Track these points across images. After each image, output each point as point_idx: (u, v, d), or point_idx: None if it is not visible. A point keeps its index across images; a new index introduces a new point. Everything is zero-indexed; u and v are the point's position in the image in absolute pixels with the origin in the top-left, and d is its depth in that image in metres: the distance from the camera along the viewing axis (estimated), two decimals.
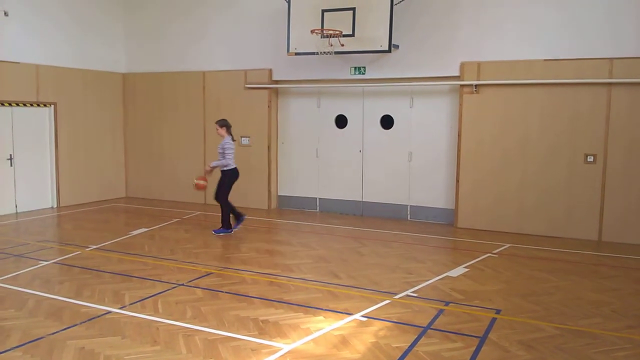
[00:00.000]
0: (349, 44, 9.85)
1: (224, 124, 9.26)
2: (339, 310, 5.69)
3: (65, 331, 5.08)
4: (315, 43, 10.00)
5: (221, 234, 9.24)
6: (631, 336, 5.11)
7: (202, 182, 9.23)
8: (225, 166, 9.13)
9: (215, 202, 9.44)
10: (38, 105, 11.23)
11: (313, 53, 10.15)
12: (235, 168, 9.25)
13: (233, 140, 9.26)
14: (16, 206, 10.95)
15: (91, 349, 4.71)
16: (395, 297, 6.14)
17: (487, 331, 5.17)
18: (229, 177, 9.21)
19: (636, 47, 8.57)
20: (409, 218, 10.72)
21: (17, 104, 10.84)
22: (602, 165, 8.91)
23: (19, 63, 10.71)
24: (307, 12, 10.14)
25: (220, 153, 9.14)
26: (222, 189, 9.19)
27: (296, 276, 6.93)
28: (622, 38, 8.65)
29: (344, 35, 9.79)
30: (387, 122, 10.78)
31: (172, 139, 12.56)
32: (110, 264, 7.38)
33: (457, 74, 9.85)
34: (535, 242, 8.92)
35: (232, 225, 9.35)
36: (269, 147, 11.58)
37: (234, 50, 11.74)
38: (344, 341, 4.92)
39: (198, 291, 6.27)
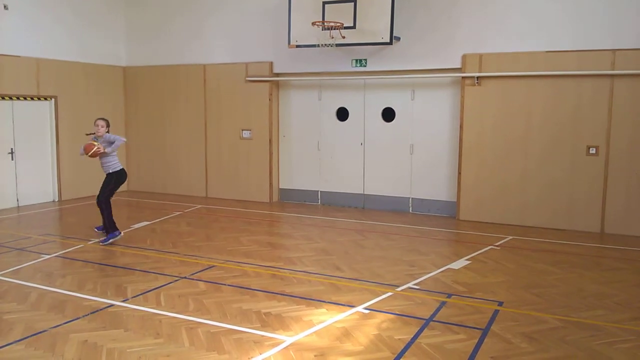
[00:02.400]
0: (350, 36, 9.80)
1: (109, 124, 8.24)
2: (341, 303, 5.68)
3: (67, 324, 5.08)
4: (316, 35, 9.95)
5: (110, 240, 8.05)
6: (635, 328, 5.10)
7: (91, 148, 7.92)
8: (113, 166, 8.16)
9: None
10: (39, 98, 11.21)
11: (314, 45, 10.10)
12: (123, 169, 8.32)
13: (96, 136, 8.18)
14: (17, 200, 10.95)
15: (94, 342, 4.71)
16: (397, 289, 6.14)
17: (490, 323, 5.16)
18: (117, 178, 8.21)
19: (639, 38, 8.52)
20: (410, 211, 10.70)
21: (18, 98, 10.81)
22: (605, 157, 8.88)
23: (19, 57, 10.67)
24: (308, 4, 10.09)
25: (110, 142, 7.99)
26: (106, 190, 8.17)
27: (298, 269, 6.93)
28: (624, 29, 8.60)
29: (345, 28, 9.75)
30: (388, 114, 10.75)
31: (173, 132, 12.54)
32: (112, 257, 7.38)
33: (458, 66, 9.80)
34: (538, 234, 8.90)
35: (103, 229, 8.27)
36: (270, 140, 11.55)
37: (234, 43, 11.69)
38: (346, 333, 4.92)
39: (200, 284, 6.27)
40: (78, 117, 11.85)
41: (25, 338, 4.78)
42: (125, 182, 12.80)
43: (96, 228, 8.62)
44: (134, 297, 5.83)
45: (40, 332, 4.90)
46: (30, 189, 11.17)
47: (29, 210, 10.65)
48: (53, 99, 11.42)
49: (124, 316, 5.29)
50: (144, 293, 5.95)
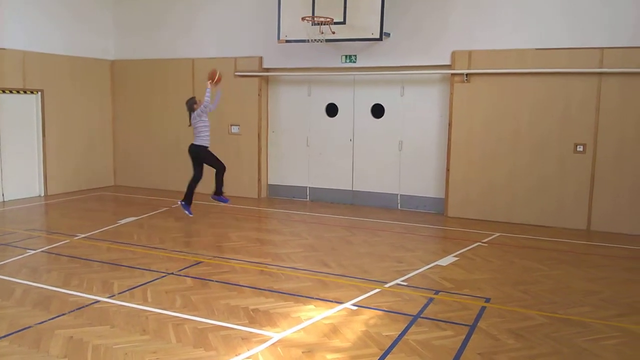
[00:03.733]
0: (340, 32, 9.78)
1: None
2: (329, 299, 5.68)
3: (53, 320, 5.03)
4: (306, 30, 9.91)
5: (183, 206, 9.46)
6: (620, 324, 5.14)
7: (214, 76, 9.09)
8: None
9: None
10: (25, 92, 11.08)
11: (304, 41, 10.07)
12: (206, 146, 9.37)
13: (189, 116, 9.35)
14: (3, 195, 10.83)
15: (79, 338, 4.67)
16: (385, 285, 6.15)
17: (477, 320, 5.18)
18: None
19: (627, 37, 8.57)
20: (399, 207, 10.72)
21: (3, 91, 10.68)
22: (592, 155, 8.94)
23: (4, 49, 10.54)
24: None
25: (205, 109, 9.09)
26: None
27: (286, 265, 6.91)
28: (613, 28, 8.64)
29: (335, 23, 9.73)
30: (378, 111, 10.75)
31: (161, 126, 12.45)
32: (98, 253, 7.32)
33: (448, 62, 9.81)
34: (525, 231, 8.95)
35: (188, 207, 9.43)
36: (259, 136, 11.51)
37: (224, 37, 11.62)
38: (334, 330, 4.91)
39: (188, 280, 6.23)
40: (65, 111, 11.75)
41: (10, 334, 4.73)
42: (112, 177, 12.96)
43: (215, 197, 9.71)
44: (121, 293, 5.79)
45: (25, 329, 4.85)
46: (16, 184, 11.04)
47: (14, 205, 10.53)
48: (39, 93, 11.29)
49: (110, 312, 5.25)
50: (130, 289, 5.91)
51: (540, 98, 9.18)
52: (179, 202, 9.54)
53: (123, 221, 9.22)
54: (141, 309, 5.33)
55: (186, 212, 9.37)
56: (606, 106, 8.79)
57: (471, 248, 7.84)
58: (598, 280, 6.49)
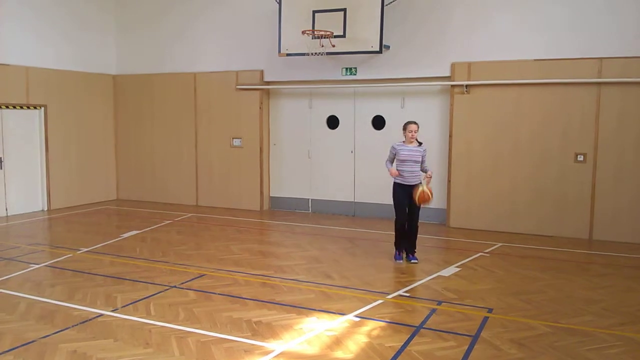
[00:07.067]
0: (340, 45, 9.86)
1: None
2: (331, 311, 5.69)
3: (57, 334, 5.05)
4: (307, 44, 10.00)
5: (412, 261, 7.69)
6: (622, 333, 5.14)
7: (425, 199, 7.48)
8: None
9: None
10: (28, 107, 11.16)
11: (304, 54, 10.15)
12: (394, 182, 7.78)
13: (405, 142, 7.84)
14: (6, 209, 10.87)
15: (83, 352, 4.68)
16: (387, 297, 6.15)
17: (480, 330, 5.19)
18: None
19: (626, 47, 8.63)
20: None
21: (7, 107, 10.76)
22: (593, 164, 8.96)
23: (8, 65, 10.63)
24: (298, 13, 10.15)
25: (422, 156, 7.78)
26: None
27: (289, 277, 6.92)
28: (612, 38, 8.71)
29: (335, 36, 9.82)
30: (378, 122, 10.80)
31: (163, 140, 12.52)
32: (102, 267, 7.34)
33: (447, 74, 9.88)
34: (527, 241, 8.95)
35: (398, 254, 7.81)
36: (260, 149, 11.57)
37: (225, 51, 11.72)
38: (337, 341, 4.92)
39: (191, 293, 6.25)
40: (67, 125, 11.83)
41: (14, 348, 4.75)
42: (115, 191, 13.00)
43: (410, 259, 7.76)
44: (124, 306, 5.81)
45: (29, 343, 4.87)
46: (20, 198, 11.09)
47: (18, 219, 10.57)
48: (42, 108, 11.37)
49: (114, 326, 5.27)
50: (133, 302, 5.92)
51: (540, 108, 9.23)
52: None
53: (126, 235, 9.25)
54: (144, 322, 5.35)
55: (397, 260, 7.70)
56: (606, 116, 8.83)
57: (473, 258, 7.85)
58: (600, 289, 6.49)
